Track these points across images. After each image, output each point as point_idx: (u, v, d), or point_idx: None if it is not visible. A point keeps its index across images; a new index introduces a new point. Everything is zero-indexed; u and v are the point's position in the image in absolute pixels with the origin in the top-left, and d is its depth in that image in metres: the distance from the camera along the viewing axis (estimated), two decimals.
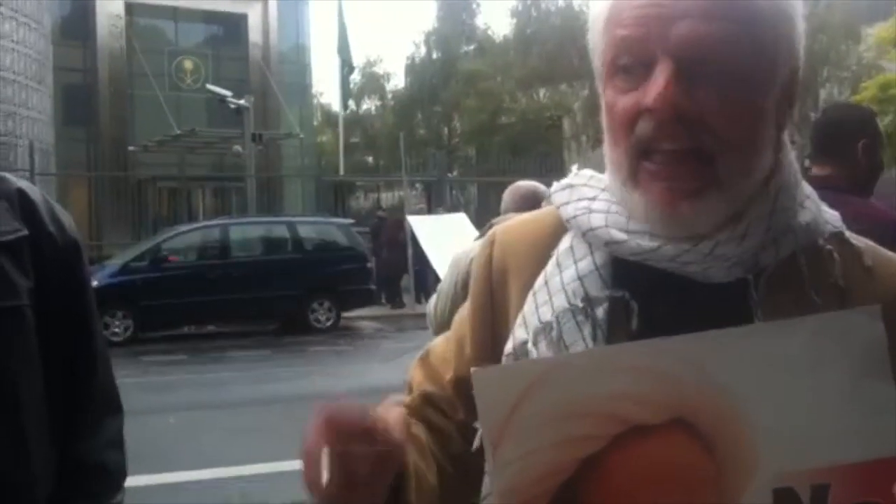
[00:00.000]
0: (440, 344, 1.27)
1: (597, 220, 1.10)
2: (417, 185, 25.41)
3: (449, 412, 1.19)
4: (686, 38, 0.98)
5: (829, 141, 3.12)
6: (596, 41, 1.08)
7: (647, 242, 1.05)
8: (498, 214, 4.25)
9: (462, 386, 1.17)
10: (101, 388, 1.65)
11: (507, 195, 4.30)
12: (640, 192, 1.04)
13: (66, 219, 1.61)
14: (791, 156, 1.11)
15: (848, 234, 1.13)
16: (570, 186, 1.17)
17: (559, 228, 1.16)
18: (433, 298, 4.16)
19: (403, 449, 0.99)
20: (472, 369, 0.98)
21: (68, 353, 1.58)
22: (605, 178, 1.15)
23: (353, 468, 0.93)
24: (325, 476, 0.91)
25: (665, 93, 0.98)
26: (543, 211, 1.24)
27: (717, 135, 1.00)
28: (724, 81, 0.99)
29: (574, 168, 1.22)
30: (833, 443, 0.94)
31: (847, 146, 3.03)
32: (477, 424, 1.03)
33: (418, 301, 17.53)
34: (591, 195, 1.13)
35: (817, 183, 3.05)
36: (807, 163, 3.23)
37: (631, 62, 1.02)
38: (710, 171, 1.01)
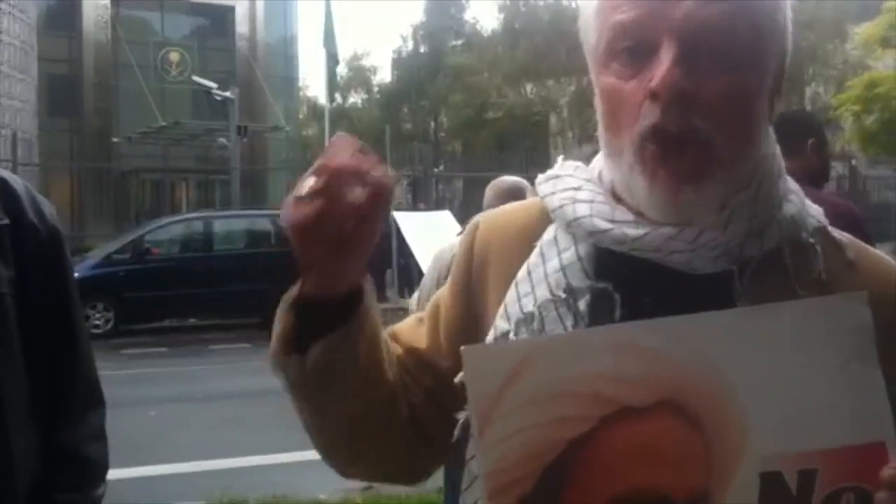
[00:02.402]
0: (410, 321, 1.27)
1: (581, 209, 1.09)
2: (402, 180, 25.38)
3: (416, 374, 1.19)
4: (690, 19, 0.98)
5: (783, 141, 3.28)
6: (588, 26, 1.07)
7: (632, 231, 1.04)
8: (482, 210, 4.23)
9: (430, 360, 1.18)
10: (83, 379, 1.65)
11: (490, 190, 4.30)
12: (645, 176, 1.02)
13: (49, 209, 1.61)
14: (774, 147, 1.12)
15: (830, 228, 1.12)
16: (556, 177, 1.16)
17: (543, 219, 1.15)
18: (416, 294, 4.14)
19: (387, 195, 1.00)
20: (462, 347, 0.97)
21: (50, 343, 1.58)
22: (590, 169, 1.15)
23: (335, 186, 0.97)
24: (304, 185, 0.97)
25: (670, 75, 0.97)
26: (528, 202, 1.23)
27: (717, 118, 0.99)
28: (724, 65, 0.99)
29: (560, 159, 1.20)
30: (821, 427, 0.94)
31: (798, 144, 3.32)
32: (459, 415, 1.03)
33: (402, 295, 17.49)
34: (576, 185, 1.12)
35: None
36: None
37: (631, 45, 1.01)
38: (711, 154, 1.00)
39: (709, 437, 0.94)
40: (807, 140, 3.38)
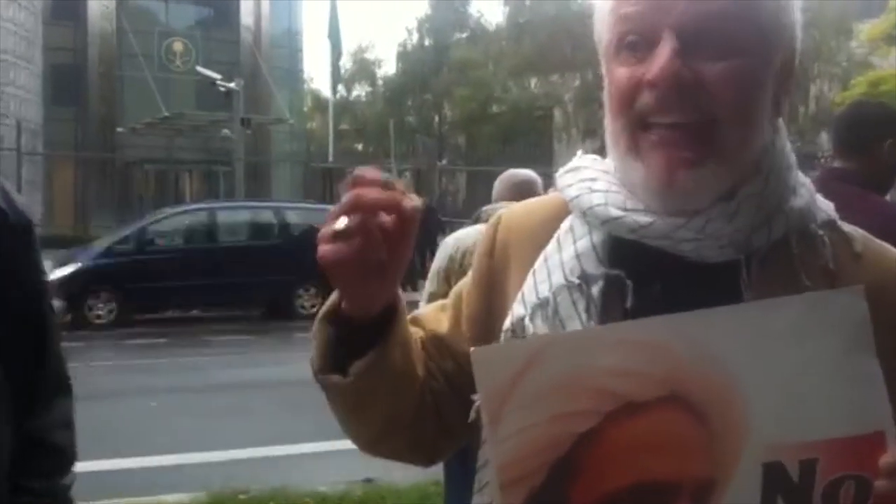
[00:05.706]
0: (433, 308, 1.31)
1: (597, 198, 1.12)
2: (406, 173, 25.38)
3: (437, 359, 1.23)
4: (688, 13, 1.01)
5: (855, 137, 3.21)
6: (602, 22, 1.11)
7: (642, 218, 1.07)
8: (487, 203, 4.23)
9: (451, 345, 1.22)
10: (52, 368, 1.64)
11: (500, 183, 4.27)
12: (641, 162, 1.06)
13: (19, 199, 1.60)
14: (785, 140, 1.14)
15: (840, 222, 1.14)
16: (575, 169, 1.19)
17: (563, 212, 1.18)
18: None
19: (409, 231, 1.02)
20: (472, 349, 1.01)
21: (18, 332, 1.56)
22: (606, 162, 1.18)
23: (367, 218, 0.99)
24: (339, 222, 0.99)
25: (667, 66, 1.01)
26: (549, 197, 1.27)
27: (717, 108, 1.02)
28: (724, 56, 1.02)
29: (579, 153, 1.25)
30: (821, 418, 0.96)
31: (874, 144, 3.13)
32: (475, 397, 1.05)
33: (403, 289, 17.44)
34: (593, 176, 1.16)
35: (837, 175, 3.18)
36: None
37: (636, 38, 1.05)
38: (709, 142, 1.03)
39: (712, 428, 0.96)
40: (883, 141, 3.12)
